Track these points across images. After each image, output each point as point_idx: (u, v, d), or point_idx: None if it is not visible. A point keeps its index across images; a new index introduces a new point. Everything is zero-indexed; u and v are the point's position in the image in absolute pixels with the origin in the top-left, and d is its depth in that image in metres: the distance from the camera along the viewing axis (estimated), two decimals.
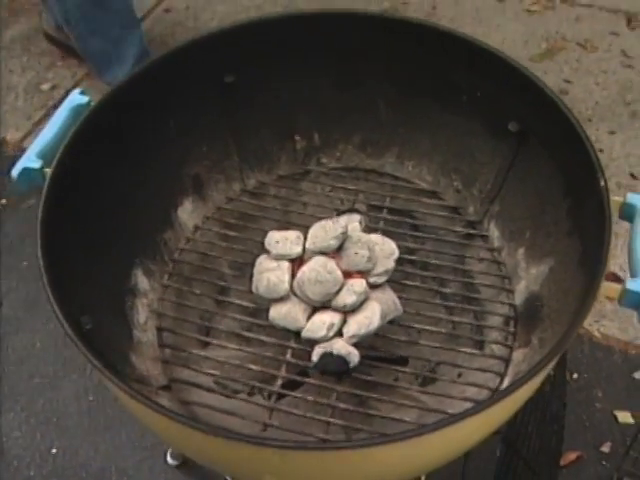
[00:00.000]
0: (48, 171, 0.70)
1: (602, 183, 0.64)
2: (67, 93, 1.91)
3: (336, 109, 0.92)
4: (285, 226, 0.82)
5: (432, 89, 0.86)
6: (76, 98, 0.77)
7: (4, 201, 1.71)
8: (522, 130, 0.79)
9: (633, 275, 0.61)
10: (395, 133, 0.92)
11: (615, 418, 1.25)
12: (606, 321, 1.39)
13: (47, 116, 1.91)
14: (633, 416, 1.22)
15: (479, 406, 0.52)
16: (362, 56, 0.87)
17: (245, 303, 0.79)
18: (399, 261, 0.77)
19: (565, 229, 0.72)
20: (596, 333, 1.37)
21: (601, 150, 1.65)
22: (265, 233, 0.78)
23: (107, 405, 1.32)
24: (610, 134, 1.72)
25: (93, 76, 1.93)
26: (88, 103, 0.78)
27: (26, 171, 0.71)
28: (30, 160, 0.71)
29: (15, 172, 0.70)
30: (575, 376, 1.31)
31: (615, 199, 0.66)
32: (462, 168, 0.89)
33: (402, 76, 0.87)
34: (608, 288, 0.60)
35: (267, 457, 0.52)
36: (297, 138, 0.94)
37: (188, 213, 0.89)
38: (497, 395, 0.55)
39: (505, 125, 0.80)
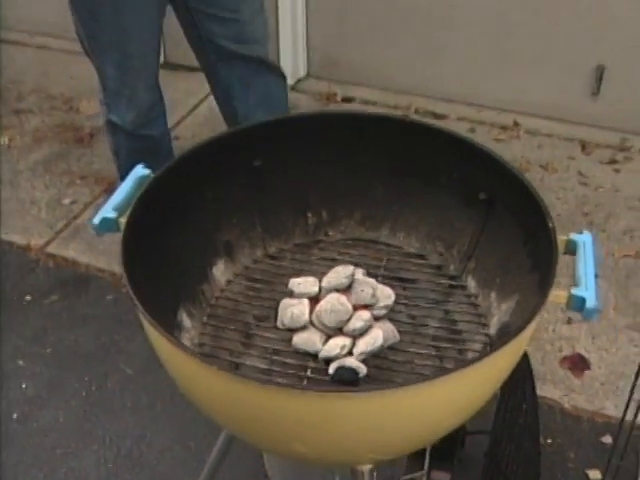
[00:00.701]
0: (122, 220, 0.90)
1: (550, 225, 0.85)
2: (86, 207, 2.16)
3: (341, 191, 1.14)
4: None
5: (418, 173, 1.09)
6: (139, 170, 0.98)
7: (29, 297, 1.88)
8: (489, 198, 1.01)
9: (576, 285, 0.80)
10: (389, 210, 1.14)
11: (586, 476, 1.39)
12: (575, 394, 1.56)
13: (68, 226, 2.13)
14: (602, 473, 1.37)
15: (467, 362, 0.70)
16: (362, 147, 1.10)
17: (271, 335, 0.97)
18: (394, 305, 0.96)
19: (526, 269, 0.92)
20: (566, 405, 1.53)
21: None
22: (285, 287, 0.97)
23: (125, 472, 1.44)
24: None
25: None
26: (149, 175, 0.99)
27: (105, 220, 0.90)
28: (107, 212, 0.91)
29: (96, 220, 0.90)
30: (549, 441, 1.46)
31: (561, 237, 0.87)
32: (443, 235, 1.10)
33: (395, 163, 1.10)
34: (557, 295, 0.79)
35: (307, 404, 0.68)
36: (309, 215, 1.16)
37: (221, 271, 1.08)
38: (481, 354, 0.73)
39: (476, 195, 1.02)
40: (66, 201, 2.23)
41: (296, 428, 0.74)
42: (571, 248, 0.87)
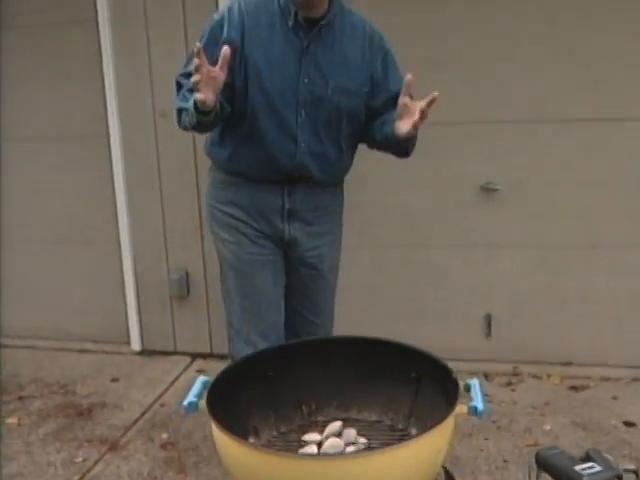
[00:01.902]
0: (202, 402, 1.48)
1: (454, 376, 1.50)
2: (96, 463, 2.62)
3: (324, 389, 1.75)
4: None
5: (371, 370, 1.73)
6: (202, 378, 1.58)
7: None
8: (418, 376, 1.65)
9: (472, 401, 1.42)
10: (355, 397, 1.75)
11: None
12: None
13: (83, 478, 2.56)
14: None
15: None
16: (337, 358, 1.74)
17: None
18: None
19: (443, 406, 1.53)
20: None
21: None
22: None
23: None
24: None
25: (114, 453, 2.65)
26: (209, 380, 1.58)
27: (191, 403, 1.48)
28: (191, 397, 1.49)
29: (185, 402, 1.48)
30: None
31: (461, 383, 1.50)
32: (394, 407, 1.71)
33: (357, 367, 1.73)
34: (462, 407, 1.40)
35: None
36: (304, 406, 1.75)
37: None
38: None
39: (409, 375, 1.66)
40: (78, 459, 2.67)
41: None
42: (467, 387, 1.50)
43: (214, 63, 1.79)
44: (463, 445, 2.59)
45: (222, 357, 3.42)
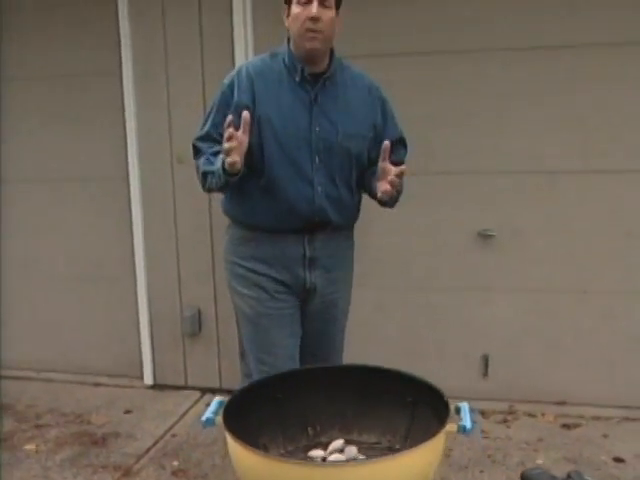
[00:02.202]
0: (218, 418, 1.66)
1: (445, 399, 1.67)
2: None
3: (328, 413, 1.91)
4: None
5: (371, 395, 1.90)
6: (218, 399, 1.75)
7: None
8: (414, 400, 1.82)
9: (461, 421, 1.59)
10: (357, 423, 1.91)
11: None
12: None
13: None
14: None
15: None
16: (341, 384, 1.91)
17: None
18: None
19: (437, 427, 1.69)
20: None
21: None
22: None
23: None
24: None
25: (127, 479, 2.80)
26: (224, 401, 1.76)
27: (209, 419, 1.65)
28: (209, 414, 1.66)
29: (203, 418, 1.65)
30: None
31: (451, 406, 1.67)
32: (391, 429, 1.87)
33: (362, 392, 1.90)
34: (452, 426, 1.57)
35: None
36: (309, 429, 1.91)
37: None
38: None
39: (406, 399, 1.83)
40: None
41: None
42: (457, 410, 1.67)
43: (228, 125, 1.98)
44: (459, 477, 2.73)
45: (230, 392, 3.57)
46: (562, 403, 3.33)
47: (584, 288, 3.29)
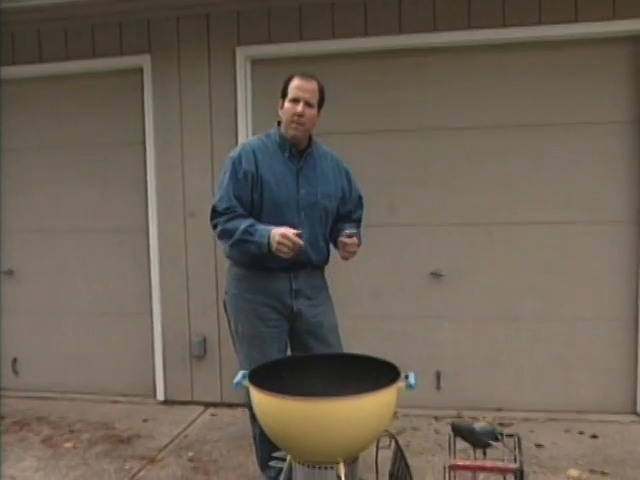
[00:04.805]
0: (244, 382, 2.44)
1: (398, 369, 2.48)
2: (140, 469, 3.52)
3: (317, 386, 2.70)
4: None
5: (352, 374, 2.69)
6: (242, 372, 2.54)
7: None
8: (377, 374, 2.62)
9: (407, 379, 2.39)
10: (337, 392, 2.70)
11: None
12: None
13: (133, 478, 3.42)
14: None
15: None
16: (326, 366, 2.71)
17: None
18: None
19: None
20: None
21: None
22: None
23: None
24: None
25: (152, 464, 3.53)
26: (246, 373, 2.54)
27: (238, 382, 2.44)
28: (240, 378, 2.45)
29: (235, 381, 2.44)
30: None
31: (403, 374, 2.47)
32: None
33: (342, 371, 2.69)
34: (401, 383, 2.37)
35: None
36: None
37: None
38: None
39: (371, 375, 2.63)
40: (126, 467, 3.54)
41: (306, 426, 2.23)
42: (407, 376, 2.48)
43: (240, 179, 2.82)
44: (417, 459, 3.49)
45: (230, 405, 4.35)
46: (499, 409, 4.13)
47: (515, 316, 4.16)
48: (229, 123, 4.29)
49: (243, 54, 4.23)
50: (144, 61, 4.35)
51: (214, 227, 2.89)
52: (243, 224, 2.78)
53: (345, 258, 2.98)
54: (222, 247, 3.05)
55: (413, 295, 4.25)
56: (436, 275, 4.20)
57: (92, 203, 4.61)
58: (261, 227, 2.77)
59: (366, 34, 4.10)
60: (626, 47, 3.95)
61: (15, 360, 4.81)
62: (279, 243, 2.68)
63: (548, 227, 4.09)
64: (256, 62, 4.28)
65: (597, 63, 3.98)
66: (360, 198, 3.19)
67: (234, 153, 2.92)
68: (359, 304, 4.29)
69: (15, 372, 4.81)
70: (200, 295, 4.43)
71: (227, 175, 2.88)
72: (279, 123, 2.98)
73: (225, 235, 2.85)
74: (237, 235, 2.79)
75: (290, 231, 2.68)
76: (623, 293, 4.05)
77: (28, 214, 4.72)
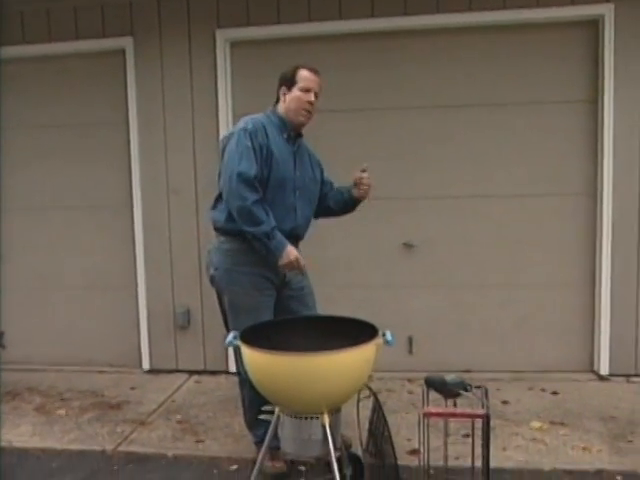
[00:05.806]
0: (238, 342, 2.66)
1: (377, 328, 2.71)
2: (132, 431, 3.74)
3: (304, 344, 2.93)
4: None
5: (335, 333, 2.92)
6: (233, 333, 2.76)
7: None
8: (357, 334, 2.86)
9: (384, 336, 2.63)
10: (322, 349, 2.94)
11: None
12: None
13: (126, 439, 3.62)
14: None
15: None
16: (313, 326, 2.93)
17: None
18: None
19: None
20: None
21: None
22: None
23: None
24: None
25: (143, 427, 3.74)
26: (237, 334, 2.76)
27: (230, 341, 2.66)
28: (231, 338, 2.67)
29: (227, 341, 2.66)
30: None
31: (381, 333, 2.71)
32: None
33: (326, 331, 2.92)
34: (379, 342, 2.61)
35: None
36: None
37: None
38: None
39: (352, 334, 2.87)
40: (118, 430, 3.75)
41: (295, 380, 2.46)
42: (384, 334, 2.72)
43: (257, 151, 2.95)
44: (393, 417, 3.74)
45: (213, 372, 4.57)
46: (468, 371, 4.41)
47: (482, 283, 4.43)
48: (210, 103, 4.46)
49: (223, 37, 4.40)
50: (127, 43, 4.49)
51: (241, 199, 2.91)
52: (267, 224, 2.93)
53: (362, 196, 3.27)
54: (215, 219, 3.13)
55: (386, 265, 4.49)
56: (408, 246, 4.45)
57: (78, 181, 4.76)
58: (279, 236, 2.96)
59: (341, 18, 4.30)
60: (585, 31, 4.21)
61: (2, 334, 4.96)
62: (290, 262, 2.97)
63: (513, 200, 4.36)
64: (235, 44, 4.45)
65: (558, 46, 4.23)
66: (332, 183, 3.43)
67: (248, 125, 3.00)
68: (335, 274, 4.53)
69: (2, 345, 4.97)
70: (183, 268, 4.62)
71: (248, 144, 2.94)
72: (275, 107, 3.15)
73: (248, 219, 2.93)
74: (257, 230, 2.93)
75: (301, 257, 3.01)
76: (582, 260, 4.35)
77: (14, 193, 4.85)
